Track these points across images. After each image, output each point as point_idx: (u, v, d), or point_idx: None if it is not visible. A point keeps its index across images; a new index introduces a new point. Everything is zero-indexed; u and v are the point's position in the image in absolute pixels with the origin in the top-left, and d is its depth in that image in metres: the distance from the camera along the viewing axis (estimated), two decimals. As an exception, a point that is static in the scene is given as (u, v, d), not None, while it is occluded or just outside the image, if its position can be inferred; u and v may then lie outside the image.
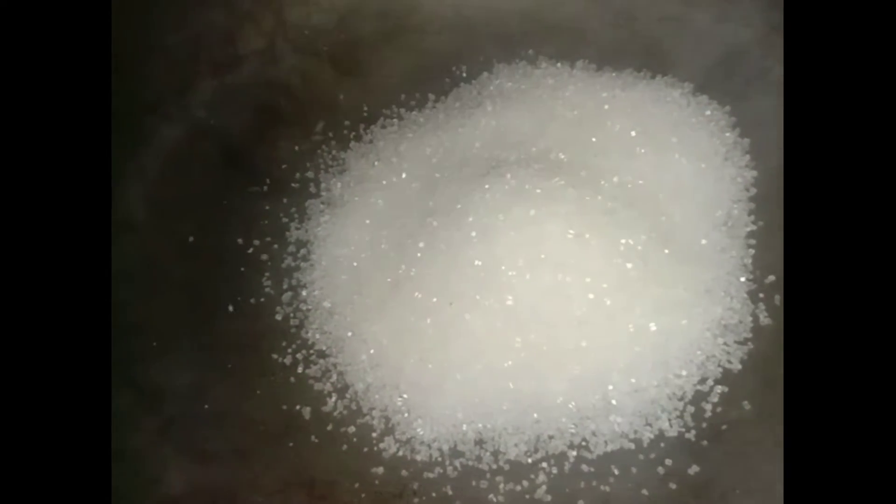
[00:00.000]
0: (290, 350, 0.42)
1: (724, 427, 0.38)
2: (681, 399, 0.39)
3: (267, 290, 0.44)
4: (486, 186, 0.43)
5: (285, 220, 0.47)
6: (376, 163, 0.49)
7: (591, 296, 0.40)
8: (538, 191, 0.42)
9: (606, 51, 0.50)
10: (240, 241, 0.46)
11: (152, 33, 0.47)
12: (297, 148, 0.49)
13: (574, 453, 0.39)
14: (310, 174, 0.49)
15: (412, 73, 0.52)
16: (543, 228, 0.41)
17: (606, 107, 0.48)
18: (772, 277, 0.42)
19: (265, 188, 0.48)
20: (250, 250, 0.46)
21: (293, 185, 0.48)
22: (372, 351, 0.42)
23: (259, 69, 0.50)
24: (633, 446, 0.38)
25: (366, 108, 0.51)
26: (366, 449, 0.39)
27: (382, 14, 0.52)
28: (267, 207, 0.47)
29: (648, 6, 0.50)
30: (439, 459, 0.39)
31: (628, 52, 0.50)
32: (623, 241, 0.41)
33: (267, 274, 0.45)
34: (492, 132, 0.48)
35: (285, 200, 0.48)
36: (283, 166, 0.49)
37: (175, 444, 0.37)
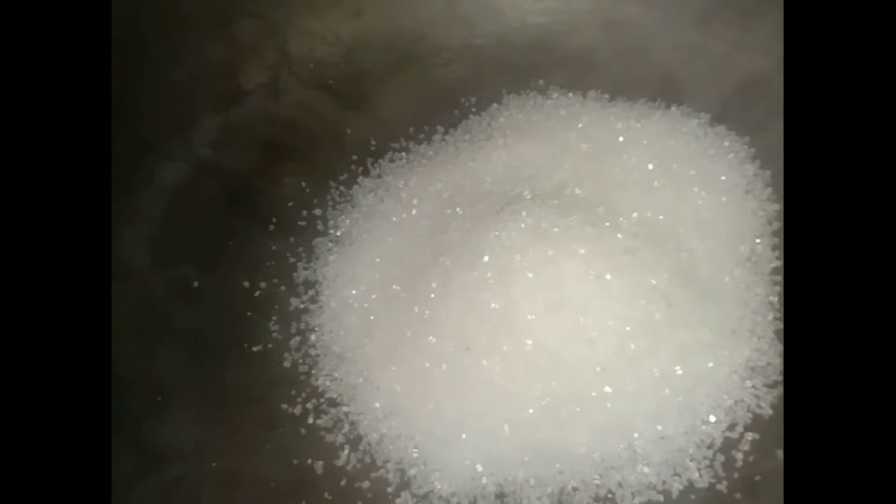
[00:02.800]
0: (299, 399, 0.41)
1: (757, 478, 0.36)
2: (710, 447, 0.38)
3: (274, 335, 0.43)
4: (501, 225, 0.42)
5: (292, 260, 0.46)
6: (385, 198, 0.48)
7: (613, 340, 0.39)
8: (555, 229, 0.41)
9: (619, 80, 0.49)
10: (246, 283, 0.44)
11: (152, 68, 0.46)
12: (303, 184, 0.48)
13: (600, 506, 0.37)
14: (317, 211, 0.47)
15: (420, 106, 0.50)
16: (562, 269, 0.40)
17: (621, 139, 0.46)
18: (800, 317, 0.40)
19: (271, 227, 0.46)
20: (257, 293, 0.44)
21: (300, 223, 0.47)
22: (385, 399, 0.41)
23: (263, 104, 0.49)
24: (661, 498, 0.37)
25: (373, 142, 0.49)
26: (381, 505, 0.37)
27: (388, 46, 0.51)
28: (273, 248, 0.46)
29: (661, 35, 0.49)
30: (459, 515, 0.37)
31: (642, 81, 0.49)
32: (645, 281, 0.40)
33: (274, 318, 0.43)
34: (504, 166, 0.47)
35: (292, 239, 0.46)
36: (290, 204, 0.47)
37: (181, 507, 0.35)
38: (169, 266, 0.43)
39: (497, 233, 0.42)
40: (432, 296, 0.42)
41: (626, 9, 0.50)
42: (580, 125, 0.48)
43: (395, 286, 0.44)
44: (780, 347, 0.40)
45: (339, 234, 0.47)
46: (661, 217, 0.43)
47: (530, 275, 0.40)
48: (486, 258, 0.41)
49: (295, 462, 0.38)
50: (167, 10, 0.48)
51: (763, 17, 0.45)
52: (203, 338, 0.41)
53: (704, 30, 0.48)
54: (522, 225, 0.42)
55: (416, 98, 0.51)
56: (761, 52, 0.46)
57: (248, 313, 0.43)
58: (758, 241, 0.43)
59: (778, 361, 0.40)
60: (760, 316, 0.41)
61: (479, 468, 0.38)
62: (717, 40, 0.47)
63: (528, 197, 0.44)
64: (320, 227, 0.47)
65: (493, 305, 0.40)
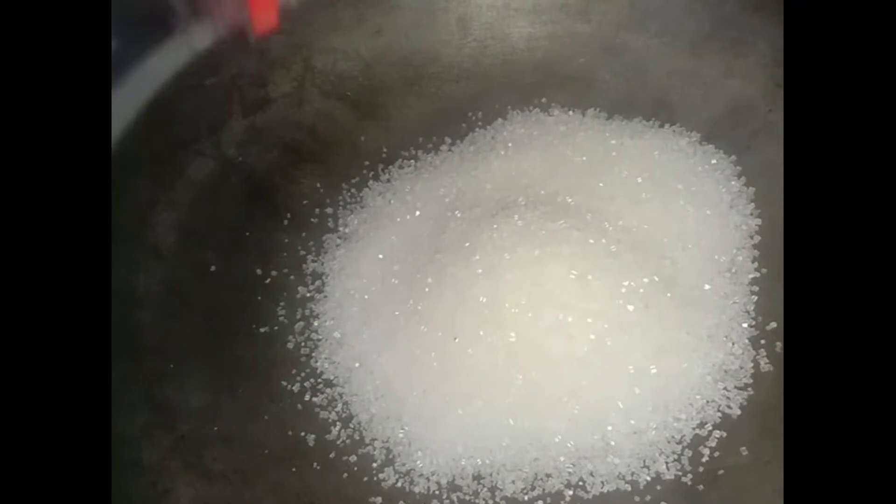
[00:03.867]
0: (299, 378, 0.44)
1: (720, 472, 0.38)
2: (679, 443, 0.40)
3: (281, 318, 0.47)
4: (495, 226, 0.45)
5: (303, 252, 0.50)
6: (392, 201, 0.51)
7: (592, 336, 0.41)
8: (543, 232, 0.44)
9: (617, 101, 0.52)
10: (259, 270, 0.48)
11: (191, 76, 0.51)
12: (318, 185, 0.52)
13: (570, 493, 0.39)
14: (329, 210, 0.51)
15: (430, 118, 0.54)
16: (546, 268, 0.43)
17: (615, 154, 0.50)
18: (773, 324, 0.42)
19: (286, 222, 0.50)
20: (268, 280, 0.48)
21: (312, 220, 0.51)
22: (378, 382, 0.44)
23: (287, 111, 0.53)
24: (629, 488, 0.39)
25: (385, 150, 0.53)
26: (365, 478, 0.40)
27: (404, 63, 0.55)
28: (286, 240, 0.50)
29: (657, 60, 0.52)
30: (437, 493, 0.40)
31: (638, 102, 0.52)
32: (625, 283, 0.42)
33: (282, 303, 0.47)
34: (503, 175, 0.51)
35: (304, 234, 0.50)
36: (304, 202, 0.51)
37: (185, 460, 0.39)
38: (192, 250, 0.47)
39: (490, 234, 0.45)
40: (427, 290, 0.45)
41: (626, 35, 0.53)
42: (577, 140, 0.51)
43: (394, 280, 0.47)
44: (753, 353, 0.42)
45: (347, 231, 0.51)
46: (646, 226, 0.46)
47: (517, 272, 0.43)
48: (477, 256, 0.44)
49: (290, 433, 0.42)
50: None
51: (750, 48, 0.48)
52: (216, 316, 0.45)
53: (697, 57, 0.51)
54: (514, 227, 0.45)
55: (427, 111, 0.55)
56: (748, 79, 0.49)
57: (259, 297, 0.47)
58: (738, 252, 0.46)
59: (750, 366, 0.42)
60: (736, 323, 0.43)
61: (460, 450, 0.41)
62: (708, 67, 0.50)
63: (523, 203, 0.47)
64: (331, 224, 0.51)
65: (481, 299, 0.43)
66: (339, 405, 0.43)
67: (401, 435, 0.42)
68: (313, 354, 0.45)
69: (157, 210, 0.47)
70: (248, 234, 0.49)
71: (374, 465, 0.41)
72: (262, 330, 0.46)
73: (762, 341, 0.42)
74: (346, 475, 0.40)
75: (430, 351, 0.43)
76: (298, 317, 0.47)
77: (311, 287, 0.48)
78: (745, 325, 0.43)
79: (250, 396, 0.43)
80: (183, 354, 0.43)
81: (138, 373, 0.41)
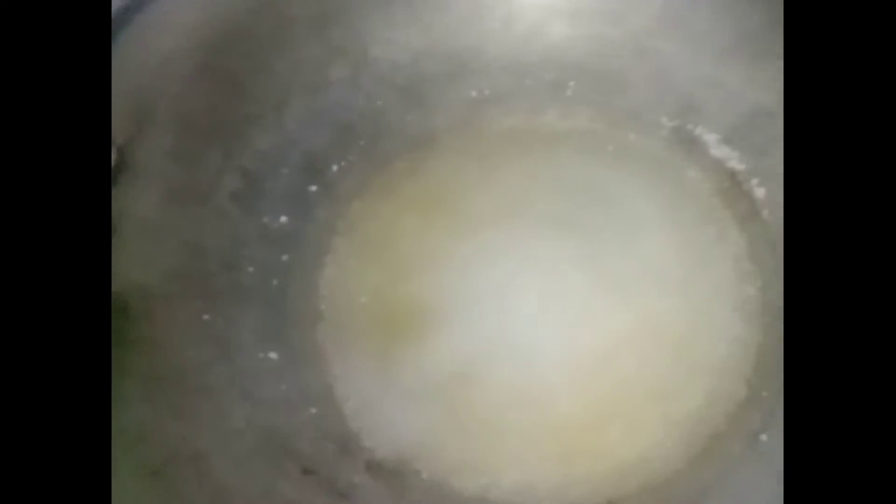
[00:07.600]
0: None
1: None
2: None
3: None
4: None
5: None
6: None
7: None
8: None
9: (644, 102, 0.56)
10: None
11: (262, 57, 0.58)
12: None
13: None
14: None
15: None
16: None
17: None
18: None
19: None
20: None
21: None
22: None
23: (342, 94, 0.60)
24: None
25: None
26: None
27: (449, 56, 0.60)
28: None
29: (684, 66, 0.56)
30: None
31: (663, 103, 0.56)
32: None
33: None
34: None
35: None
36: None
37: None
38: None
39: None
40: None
41: (655, 41, 0.57)
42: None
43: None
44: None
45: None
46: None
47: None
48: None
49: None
50: (278, 15, 0.59)
51: (771, 59, 0.52)
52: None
53: (721, 65, 0.54)
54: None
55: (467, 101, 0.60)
56: (768, 88, 0.52)
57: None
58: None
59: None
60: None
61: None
62: (731, 75, 0.54)
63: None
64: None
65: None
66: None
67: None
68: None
69: (222, 176, 0.54)
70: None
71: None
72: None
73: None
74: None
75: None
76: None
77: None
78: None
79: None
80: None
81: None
